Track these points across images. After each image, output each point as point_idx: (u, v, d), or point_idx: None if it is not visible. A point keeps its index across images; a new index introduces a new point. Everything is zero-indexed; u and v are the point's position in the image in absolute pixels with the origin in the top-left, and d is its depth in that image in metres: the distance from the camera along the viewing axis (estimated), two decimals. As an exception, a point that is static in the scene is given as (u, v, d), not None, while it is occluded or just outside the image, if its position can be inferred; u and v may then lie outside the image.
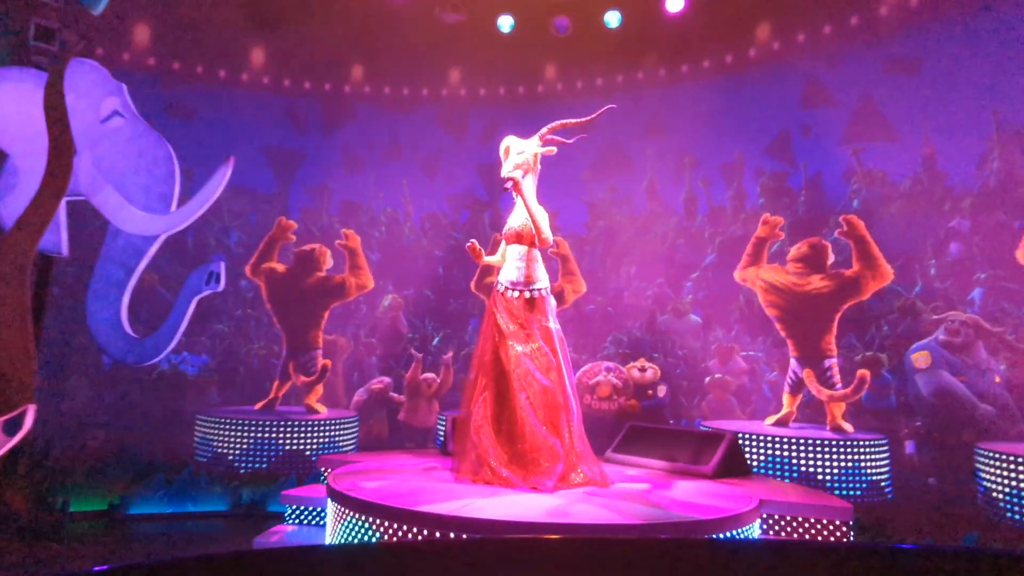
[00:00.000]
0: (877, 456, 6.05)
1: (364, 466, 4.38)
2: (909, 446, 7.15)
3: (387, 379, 8.90)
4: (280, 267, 7.51)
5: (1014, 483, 5.24)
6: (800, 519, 3.94)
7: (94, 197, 5.97)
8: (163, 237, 5.97)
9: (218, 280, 5.80)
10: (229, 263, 7.25)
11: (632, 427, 5.32)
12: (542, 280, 4.10)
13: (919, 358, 6.95)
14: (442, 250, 9.60)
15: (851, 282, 6.16)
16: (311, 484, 5.12)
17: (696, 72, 9.25)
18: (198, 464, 6.50)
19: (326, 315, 7.44)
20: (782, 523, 3.97)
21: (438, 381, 8.54)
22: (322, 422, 7.05)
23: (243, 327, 9.06)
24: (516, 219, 4.16)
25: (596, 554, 1.41)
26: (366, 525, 3.34)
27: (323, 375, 7.21)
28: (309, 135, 9.90)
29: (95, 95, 6.23)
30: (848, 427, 6.19)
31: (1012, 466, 5.35)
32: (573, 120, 4.16)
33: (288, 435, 6.86)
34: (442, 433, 7.89)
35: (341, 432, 7.30)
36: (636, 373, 8.03)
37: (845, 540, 3.80)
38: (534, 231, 4.03)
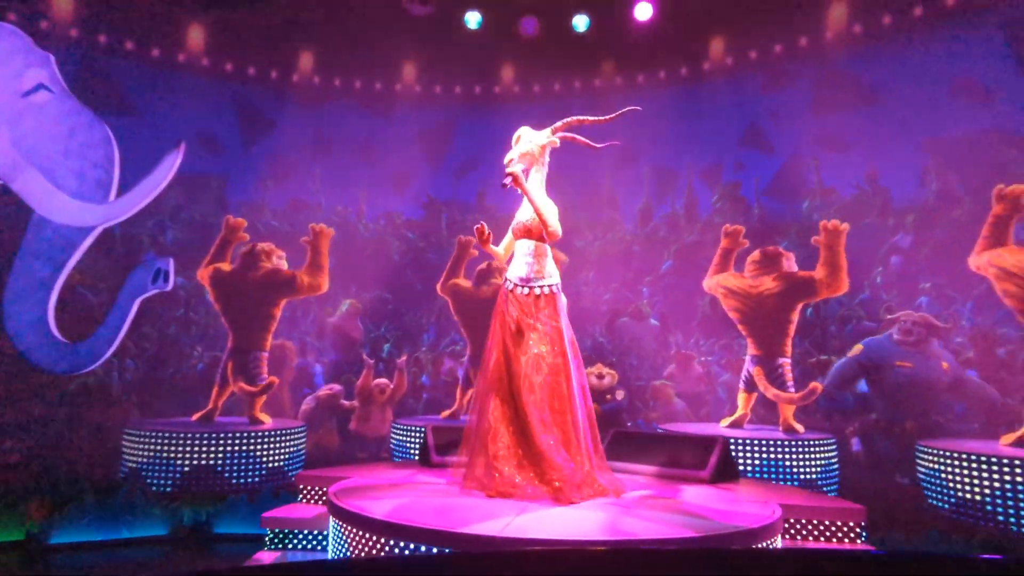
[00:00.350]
0: (826, 454, 6.23)
1: (354, 482, 3.99)
2: (855, 443, 7.64)
3: (337, 386, 8.40)
4: (226, 266, 6.85)
5: (950, 478, 5.68)
6: (815, 522, 3.94)
7: (14, 182, 5.20)
8: (99, 230, 5.29)
9: (167, 279, 5.20)
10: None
11: (617, 433, 5.24)
12: (553, 276, 3.91)
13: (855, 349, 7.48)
14: (398, 251, 9.16)
15: (804, 283, 6.39)
16: (289, 504, 4.67)
17: (653, 82, 9.23)
18: (131, 484, 5.75)
19: (276, 315, 6.86)
20: (797, 527, 3.94)
21: (391, 387, 8.17)
22: (266, 433, 6.45)
23: (178, 332, 8.29)
24: (525, 213, 3.95)
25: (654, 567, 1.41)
26: (396, 550, 2.98)
27: (266, 390, 6.63)
28: (253, 124, 9.10)
29: (14, 64, 5.44)
30: (799, 427, 6.39)
31: (948, 462, 5.82)
32: (591, 117, 4.01)
33: (231, 448, 6.25)
34: (395, 442, 7.55)
35: (286, 444, 6.70)
36: (594, 380, 8.07)
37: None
38: (541, 224, 3.82)
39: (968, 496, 5.34)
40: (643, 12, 7.74)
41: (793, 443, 6.03)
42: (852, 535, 3.91)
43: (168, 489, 5.81)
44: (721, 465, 4.45)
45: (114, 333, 5.55)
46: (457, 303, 7.35)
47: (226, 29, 8.57)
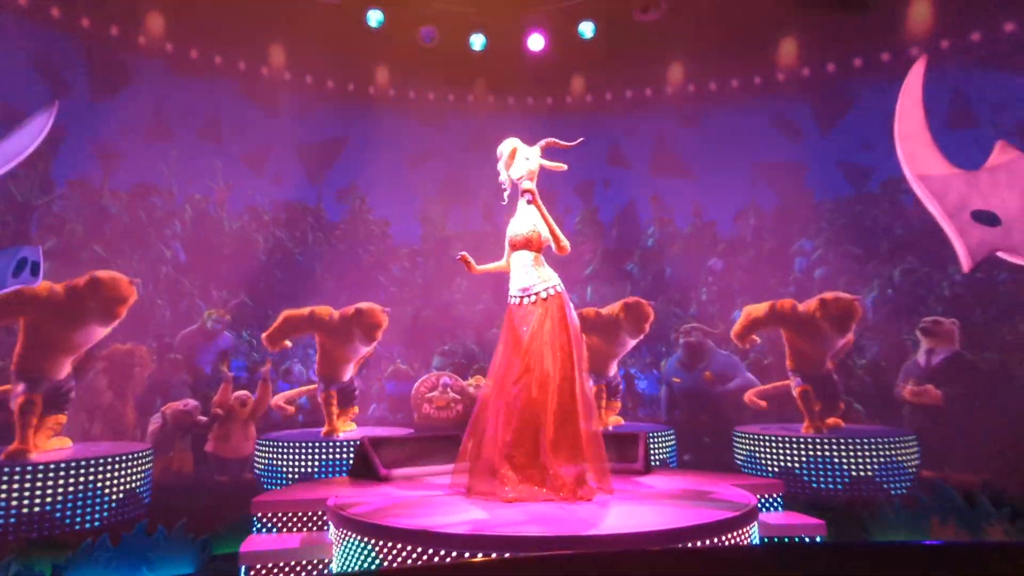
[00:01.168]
0: (667, 443, 7.37)
1: (333, 502, 3.62)
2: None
3: (192, 401, 7.33)
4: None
5: (759, 456, 7.19)
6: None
7: None
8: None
9: (35, 271, 4.03)
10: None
11: None
12: (554, 278, 4.04)
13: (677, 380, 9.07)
14: (264, 251, 8.21)
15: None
16: (251, 536, 3.93)
17: (522, 106, 9.59)
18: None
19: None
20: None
21: (253, 399, 7.44)
22: (92, 462, 5.07)
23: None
24: (524, 225, 4.04)
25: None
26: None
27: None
28: (94, 87, 7.33)
29: None
30: (621, 420, 7.53)
31: (759, 443, 7.35)
32: (563, 142, 4.23)
33: (50, 487, 4.92)
34: (261, 462, 6.80)
35: (123, 472, 5.45)
36: (471, 390, 8.40)
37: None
38: (552, 239, 4.05)
39: (781, 466, 6.87)
40: (535, 43, 8.12)
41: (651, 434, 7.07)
42: (775, 505, 4.55)
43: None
44: (647, 457, 5.10)
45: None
46: None
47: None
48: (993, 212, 5.11)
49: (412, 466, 4.69)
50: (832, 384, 6.86)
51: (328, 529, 3.82)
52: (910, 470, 6.46)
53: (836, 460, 6.26)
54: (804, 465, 6.42)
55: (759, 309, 6.92)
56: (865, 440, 6.23)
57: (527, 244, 4.07)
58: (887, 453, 6.47)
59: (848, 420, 7.09)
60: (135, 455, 5.74)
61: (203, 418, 7.11)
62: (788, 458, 6.60)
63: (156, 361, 7.00)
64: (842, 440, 6.25)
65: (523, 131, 9.09)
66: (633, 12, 7.40)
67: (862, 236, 7.99)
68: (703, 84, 9.17)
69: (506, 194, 4.26)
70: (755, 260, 8.55)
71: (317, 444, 6.43)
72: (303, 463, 6.47)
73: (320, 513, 3.97)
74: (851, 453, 6.34)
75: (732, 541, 3.03)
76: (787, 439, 6.51)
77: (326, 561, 3.62)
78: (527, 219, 4.06)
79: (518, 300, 3.98)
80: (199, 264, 7.40)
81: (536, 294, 3.94)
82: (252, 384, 7.41)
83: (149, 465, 6.00)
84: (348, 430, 7.22)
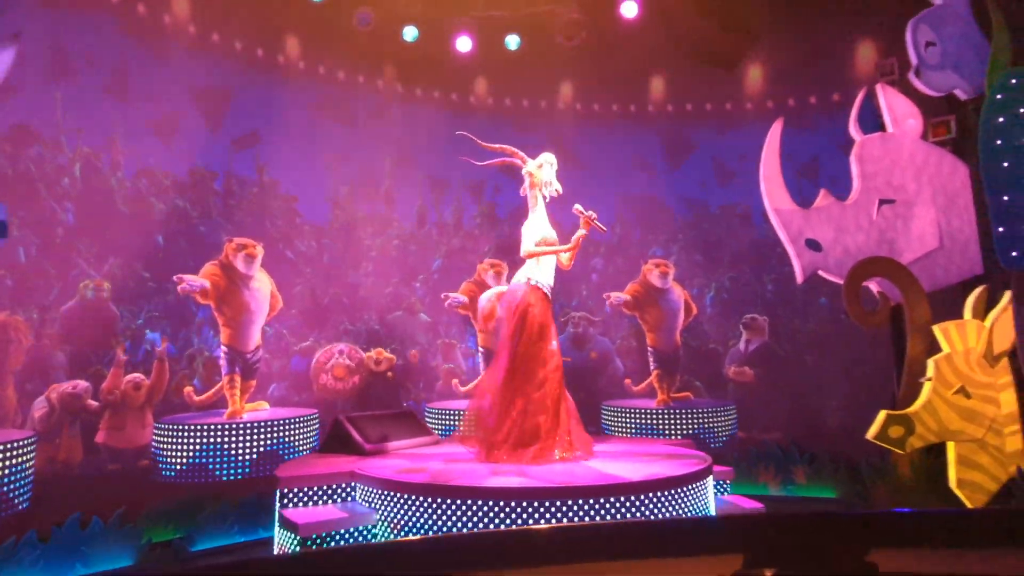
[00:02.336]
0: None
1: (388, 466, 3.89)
2: None
3: (82, 382, 6.47)
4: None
5: (619, 424, 8.72)
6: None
7: None
8: None
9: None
10: None
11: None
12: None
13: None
14: (163, 217, 7.28)
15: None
16: (295, 508, 3.91)
17: (427, 98, 9.81)
18: None
19: None
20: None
21: (147, 383, 6.85)
22: None
23: None
24: (548, 229, 4.66)
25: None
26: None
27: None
28: None
29: None
30: None
31: (618, 414, 8.88)
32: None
33: None
34: (160, 448, 6.27)
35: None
36: (373, 365, 8.63)
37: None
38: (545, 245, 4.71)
39: (636, 431, 8.30)
40: (464, 45, 8.44)
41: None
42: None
43: None
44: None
45: None
46: None
47: None
48: (817, 240, 7.00)
49: (387, 441, 5.06)
50: (679, 360, 8.68)
51: (353, 500, 4.07)
52: (729, 431, 8.42)
53: (677, 424, 7.97)
54: (652, 430, 8.06)
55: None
56: (700, 409, 8.04)
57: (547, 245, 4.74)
58: (713, 418, 8.36)
59: (689, 392, 8.94)
60: (16, 444, 5.13)
61: (93, 403, 6.46)
62: (641, 424, 8.20)
63: (35, 336, 6.11)
64: (682, 409, 8.00)
65: (426, 123, 9.53)
66: (556, 36, 8.30)
67: (706, 249, 9.95)
68: (588, 104, 10.43)
69: (548, 193, 4.80)
70: (630, 260, 10.03)
71: (225, 428, 6.09)
72: (205, 447, 6.17)
73: (344, 485, 4.17)
74: (687, 419, 8.11)
75: (697, 491, 4.05)
76: (640, 410, 8.12)
77: (371, 529, 3.89)
78: (548, 226, 4.73)
79: (546, 291, 4.60)
80: (90, 229, 6.53)
81: (548, 292, 4.64)
82: (148, 365, 6.84)
83: (31, 455, 5.39)
84: (258, 409, 7.09)
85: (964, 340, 6.54)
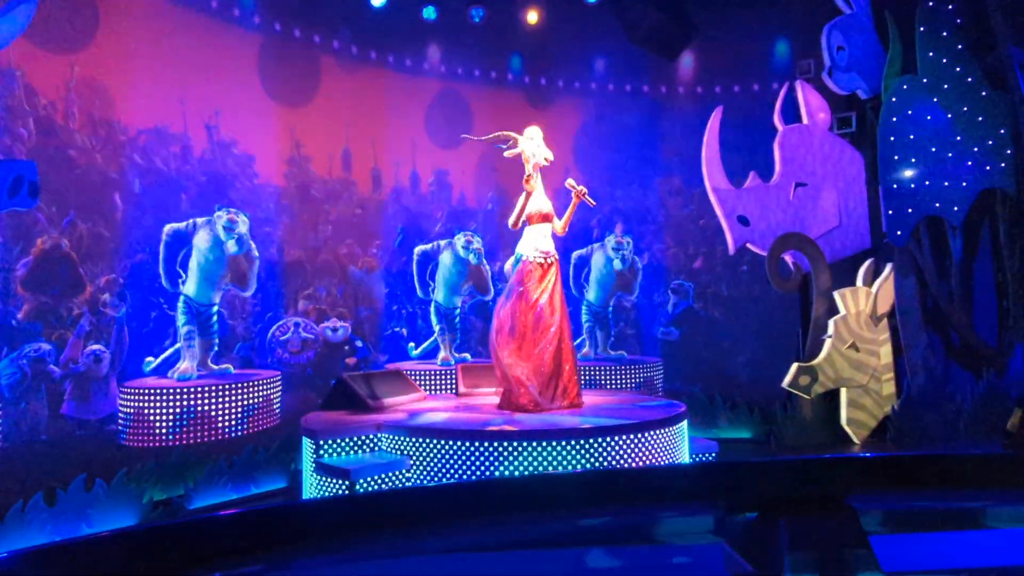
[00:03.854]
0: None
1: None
2: None
3: (45, 345, 6.15)
4: None
5: None
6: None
7: None
8: None
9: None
10: None
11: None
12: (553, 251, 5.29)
13: None
14: (121, 176, 6.80)
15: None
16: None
17: (382, 61, 9.70)
18: None
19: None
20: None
21: (108, 353, 6.57)
22: None
23: None
24: (547, 204, 5.15)
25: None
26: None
27: None
28: None
29: None
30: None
31: None
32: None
33: None
34: (123, 417, 6.13)
35: None
36: (328, 333, 8.70)
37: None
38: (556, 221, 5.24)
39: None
40: (429, 13, 8.75)
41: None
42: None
43: None
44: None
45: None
46: None
47: None
48: (746, 216, 7.99)
49: (386, 398, 5.39)
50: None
51: (376, 451, 4.43)
52: (658, 384, 9.44)
53: (611, 379, 8.81)
54: (595, 384, 8.88)
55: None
56: (632, 365, 8.90)
57: (548, 219, 5.20)
58: (645, 374, 9.34)
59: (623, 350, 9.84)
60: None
61: (56, 368, 6.26)
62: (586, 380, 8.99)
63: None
64: (615, 365, 8.81)
65: (384, 86, 9.54)
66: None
67: (640, 220, 10.85)
68: (536, 80, 10.86)
69: (531, 166, 5.22)
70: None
71: (197, 389, 6.08)
72: (176, 410, 6.15)
73: (371, 437, 4.49)
74: (621, 374, 8.98)
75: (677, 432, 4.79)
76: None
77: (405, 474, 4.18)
78: (544, 199, 5.20)
79: (541, 260, 5.08)
80: (46, 181, 6.13)
81: (545, 258, 5.13)
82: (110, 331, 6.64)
83: None
84: (220, 369, 7.02)
85: (856, 303, 7.80)
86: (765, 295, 9.73)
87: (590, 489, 0.94)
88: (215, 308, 6.58)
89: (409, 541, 0.91)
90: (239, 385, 6.20)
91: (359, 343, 8.30)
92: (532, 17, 8.74)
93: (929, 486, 0.98)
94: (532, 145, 5.24)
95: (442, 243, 8.17)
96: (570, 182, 5.18)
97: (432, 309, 8.14)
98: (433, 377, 7.60)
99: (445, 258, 7.99)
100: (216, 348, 6.64)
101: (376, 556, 0.92)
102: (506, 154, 5.29)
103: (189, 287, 6.34)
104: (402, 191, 9.79)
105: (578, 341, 9.23)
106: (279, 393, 6.93)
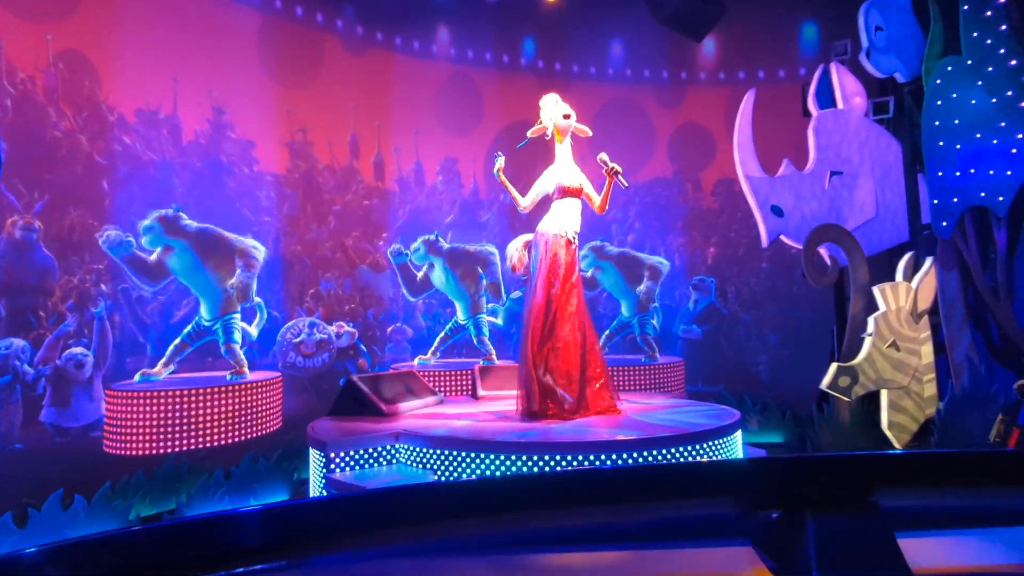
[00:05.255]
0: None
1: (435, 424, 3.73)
2: None
3: (17, 340, 5.59)
4: None
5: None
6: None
7: None
8: None
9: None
10: None
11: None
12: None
13: None
14: (110, 160, 6.26)
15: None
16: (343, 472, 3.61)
17: (389, 44, 9.50)
18: None
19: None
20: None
21: (91, 357, 6.01)
22: None
23: None
24: (577, 176, 4.42)
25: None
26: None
27: None
28: None
29: None
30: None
31: None
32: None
33: None
34: (109, 423, 5.59)
35: None
36: (334, 338, 8.15)
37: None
38: (593, 196, 4.61)
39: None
40: None
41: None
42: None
43: None
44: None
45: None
46: None
47: None
48: (780, 207, 7.47)
49: (400, 402, 4.87)
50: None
51: (394, 463, 3.90)
52: (681, 385, 8.90)
53: (630, 380, 8.22)
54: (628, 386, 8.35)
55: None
56: (651, 364, 8.24)
57: (578, 193, 4.57)
58: (666, 374, 8.82)
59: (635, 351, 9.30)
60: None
61: (30, 368, 5.70)
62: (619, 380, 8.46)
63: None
64: (634, 366, 8.20)
65: (391, 69, 8.98)
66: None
67: (659, 214, 10.32)
68: (551, 64, 10.33)
69: (548, 136, 4.62)
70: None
71: (191, 392, 5.58)
72: (168, 415, 5.63)
73: (389, 447, 3.97)
74: (640, 375, 8.41)
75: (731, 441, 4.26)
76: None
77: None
78: (577, 171, 4.61)
79: (571, 238, 4.42)
80: (22, 159, 5.58)
81: (573, 239, 4.45)
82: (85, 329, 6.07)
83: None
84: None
85: (896, 299, 7.29)
86: (788, 291, 9.22)
87: (611, 486, 0.94)
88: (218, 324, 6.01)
89: (434, 538, 0.92)
90: (234, 388, 5.65)
91: (362, 347, 7.75)
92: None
93: (959, 483, 0.97)
94: (546, 113, 4.63)
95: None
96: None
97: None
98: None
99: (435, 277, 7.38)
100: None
101: (396, 554, 0.91)
102: (529, 133, 4.69)
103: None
104: (407, 181, 9.23)
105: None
106: (279, 397, 6.38)
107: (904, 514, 0.92)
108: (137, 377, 5.70)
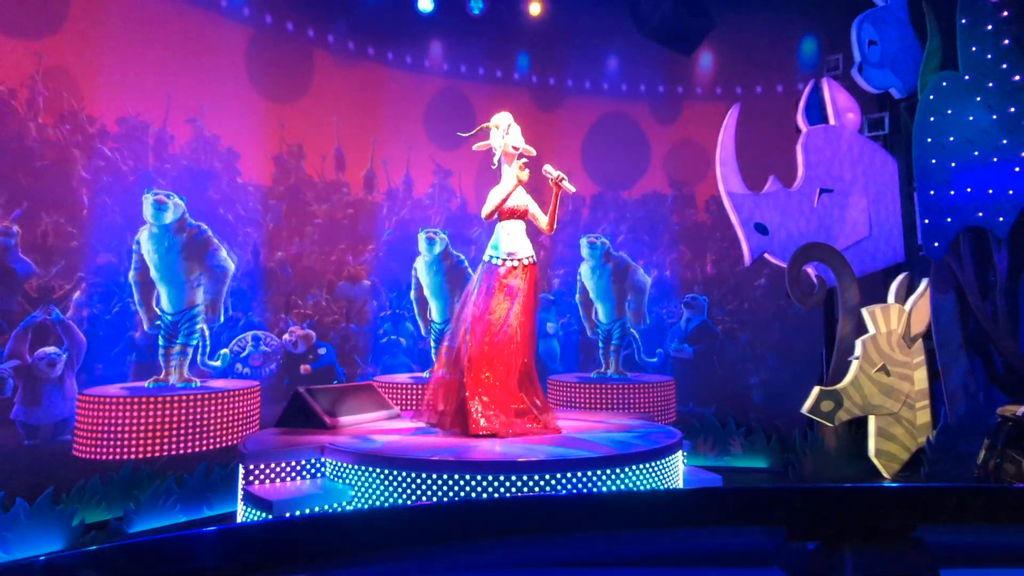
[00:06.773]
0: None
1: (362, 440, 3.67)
2: None
3: None
4: None
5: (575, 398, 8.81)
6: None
7: None
8: None
9: None
10: None
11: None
12: (531, 249, 4.52)
13: None
14: (89, 171, 6.37)
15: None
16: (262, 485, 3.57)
17: (382, 56, 9.43)
18: None
19: None
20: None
21: (63, 358, 6.11)
22: None
23: None
24: (523, 198, 4.34)
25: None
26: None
27: None
28: None
29: None
30: None
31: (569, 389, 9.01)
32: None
33: None
34: (79, 427, 5.64)
35: None
36: (289, 348, 8.14)
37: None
38: (539, 217, 4.52)
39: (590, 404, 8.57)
40: (424, 4, 8.38)
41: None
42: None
43: None
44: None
45: None
46: None
47: None
48: (765, 224, 7.27)
49: (348, 415, 4.79)
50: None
51: (319, 477, 3.85)
52: (670, 406, 8.67)
53: (619, 400, 8.01)
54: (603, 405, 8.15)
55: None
56: (640, 384, 7.92)
57: (523, 215, 4.54)
58: (655, 394, 8.59)
59: (634, 369, 9.10)
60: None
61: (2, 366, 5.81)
62: (593, 399, 8.28)
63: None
64: (623, 385, 7.95)
65: (382, 84, 9.06)
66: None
67: (650, 230, 10.16)
68: (544, 79, 10.30)
69: (496, 159, 4.60)
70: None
71: (161, 400, 5.56)
72: (137, 421, 5.65)
73: (313, 461, 3.93)
74: (629, 394, 8.19)
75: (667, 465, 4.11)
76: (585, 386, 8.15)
77: (344, 506, 3.65)
78: (522, 192, 4.55)
79: (504, 262, 4.33)
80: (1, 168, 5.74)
81: (521, 261, 4.37)
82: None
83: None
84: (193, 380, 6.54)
85: (887, 322, 7.00)
86: (784, 311, 8.95)
87: (643, 509, 0.96)
88: (185, 315, 6.05)
89: (451, 556, 0.92)
90: (210, 396, 5.68)
91: (322, 350, 7.72)
92: (535, 8, 8.16)
93: (1006, 520, 0.94)
94: (496, 138, 4.59)
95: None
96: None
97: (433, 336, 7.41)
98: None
99: (419, 266, 7.36)
100: (193, 355, 6.12)
101: (412, 571, 0.92)
102: (475, 148, 4.65)
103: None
104: (397, 194, 9.26)
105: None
106: (257, 406, 6.38)
107: (949, 550, 0.89)
108: (148, 383, 5.79)
